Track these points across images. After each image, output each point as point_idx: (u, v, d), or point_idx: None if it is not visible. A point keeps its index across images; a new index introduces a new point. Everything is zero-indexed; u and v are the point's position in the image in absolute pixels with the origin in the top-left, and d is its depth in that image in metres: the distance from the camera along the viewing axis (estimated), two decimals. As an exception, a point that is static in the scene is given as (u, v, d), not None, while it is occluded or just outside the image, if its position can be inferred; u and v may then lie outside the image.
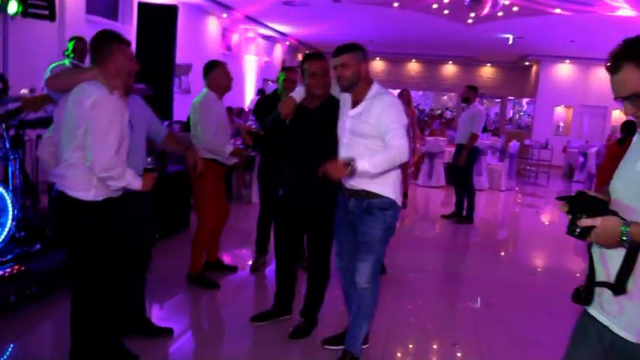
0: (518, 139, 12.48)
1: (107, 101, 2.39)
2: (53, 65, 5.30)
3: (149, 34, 5.20)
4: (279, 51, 16.41)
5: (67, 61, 5.28)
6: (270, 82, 15.54)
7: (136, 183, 2.51)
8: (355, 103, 2.93)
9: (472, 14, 9.71)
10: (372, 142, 2.81)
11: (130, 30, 8.76)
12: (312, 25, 12.88)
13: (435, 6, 9.27)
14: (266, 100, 4.61)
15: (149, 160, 2.60)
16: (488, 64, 18.07)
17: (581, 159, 12.82)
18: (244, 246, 5.50)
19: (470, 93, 7.17)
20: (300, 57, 18.72)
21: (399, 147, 2.68)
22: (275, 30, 13.87)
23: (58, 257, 4.04)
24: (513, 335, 3.73)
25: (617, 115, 15.98)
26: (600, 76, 15.66)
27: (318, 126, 3.19)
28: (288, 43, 16.37)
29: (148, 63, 4.96)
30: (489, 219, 8.45)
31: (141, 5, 5.23)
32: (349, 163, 2.55)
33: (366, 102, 2.87)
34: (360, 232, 2.93)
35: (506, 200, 9.97)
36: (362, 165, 2.58)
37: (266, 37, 14.60)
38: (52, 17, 5.81)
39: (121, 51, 2.52)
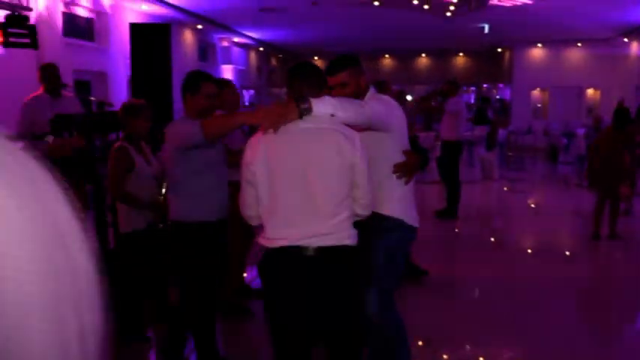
0: (498, 126, 12.55)
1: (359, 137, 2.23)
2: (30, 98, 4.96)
3: (143, 53, 5.01)
4: (253, 58, 16.19)
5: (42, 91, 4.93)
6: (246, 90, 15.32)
7: None
8: None
9: (452, 7, 9.69)
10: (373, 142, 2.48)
11: (107, 50, 8.49)
12: (286, 29, 12.72)
13: (415, 2, 9.21)
14: None
15: None
16: (461, 54, 18.20)
17: (565, 140, 13.00)
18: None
19: (448, 87, 7.11)
20: (273, 62, 18.54)
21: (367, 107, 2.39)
22: (249, 37, 13.66)
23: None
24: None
25: (591, 94, 16.30)
26: (572, 56, 15.95)
27: None
28: (261, 48, 16.17)
29: (146, 80, 4.80)
30: (487, 212, 8.44)
31: (133, 26, 5.02)
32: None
33: None
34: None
35: (499, 189, 10.00)
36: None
37: (240, 45, 14.37)
38: (34, 45, 5.53)
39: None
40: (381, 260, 2.59)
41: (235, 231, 3.90)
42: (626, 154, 5.92)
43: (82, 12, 8.11)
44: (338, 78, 2.55)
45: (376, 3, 9.30)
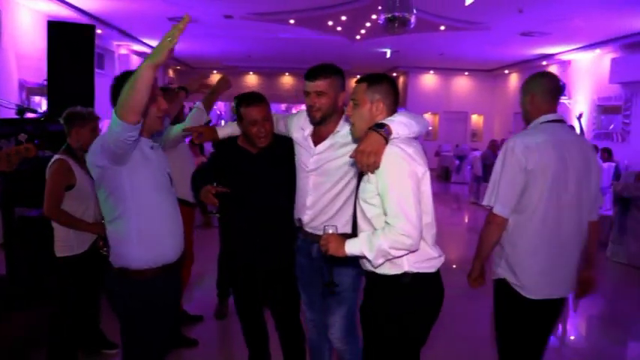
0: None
1: None
2: None
3: (61, 54, 4.49)
4: (150, 68, 15.41)
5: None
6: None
7: None
8: (320, 138, 2.47)
9: (363, 31, 9.99)
10: (344, 182, 2.41)
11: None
12: (191, 41, 12.27)
13: (330, 23, 9.36)
14: None
15: None
16: (358, 77, 18.81)
17: (457, 162, 13.92)
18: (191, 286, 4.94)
19: None
20: (171, 73, 17.82)
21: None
22: (149, 46, 12.98)
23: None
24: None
25: (475, 119, 17.71)
26: (460, 84, 17.24)
27: (261, 173, 2.61)
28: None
29: (64, 84, 4.34)
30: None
31: (51, 24, 4.49)
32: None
33: (336, 134, 2.44)
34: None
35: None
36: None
37: (139, 54, 13.60)
38: None
39: None
40: (349, 279, 2.45)
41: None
42: None
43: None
44: (317, 85, 2.34)
45: (292, 21, 9.31)
